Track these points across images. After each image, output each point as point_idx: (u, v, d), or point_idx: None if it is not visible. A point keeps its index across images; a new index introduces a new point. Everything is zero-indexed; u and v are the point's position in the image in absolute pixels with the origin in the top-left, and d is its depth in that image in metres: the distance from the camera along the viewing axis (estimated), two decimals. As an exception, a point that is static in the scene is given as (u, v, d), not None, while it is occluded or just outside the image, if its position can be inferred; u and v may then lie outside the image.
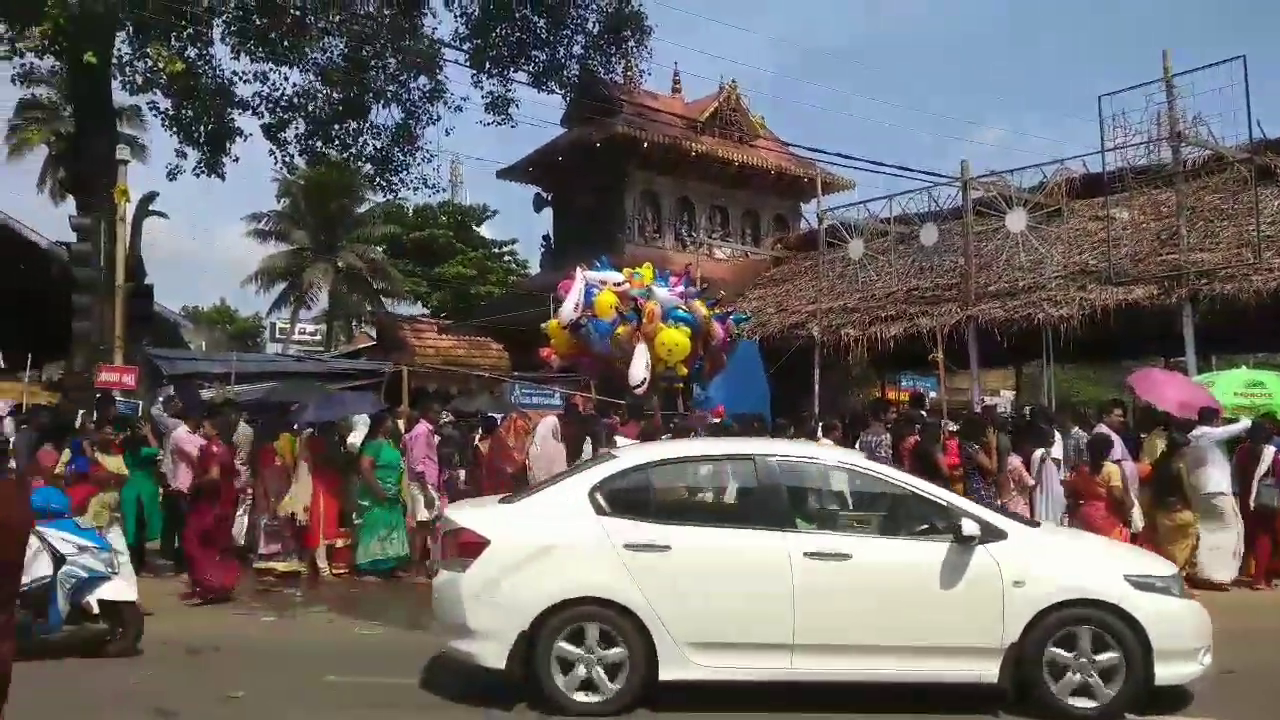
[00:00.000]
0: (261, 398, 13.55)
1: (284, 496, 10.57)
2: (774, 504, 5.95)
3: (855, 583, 5.68)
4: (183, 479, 10.56)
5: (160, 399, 13.95)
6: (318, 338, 40.36)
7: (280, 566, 10.52)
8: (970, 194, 15.46)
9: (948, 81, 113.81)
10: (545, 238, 25.80)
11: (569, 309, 10.06)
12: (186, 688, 6.39)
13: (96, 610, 7.05)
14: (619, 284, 10.13)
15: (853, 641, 5.68)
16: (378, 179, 20.02)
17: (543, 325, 11.61)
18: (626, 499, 6.00)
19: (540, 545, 5.84)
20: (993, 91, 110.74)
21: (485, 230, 45.45)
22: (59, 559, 6.99)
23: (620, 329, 9.72)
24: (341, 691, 6.36)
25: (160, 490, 10.90)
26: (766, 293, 20.94)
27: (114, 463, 9.23)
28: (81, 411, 11.97)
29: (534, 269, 32.01)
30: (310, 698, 6.24)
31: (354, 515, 10.63)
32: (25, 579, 6.59)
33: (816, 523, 6.15)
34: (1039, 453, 10.27)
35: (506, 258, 44.36)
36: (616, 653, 5.65)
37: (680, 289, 10.41)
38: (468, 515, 6.26)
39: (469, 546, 5.86)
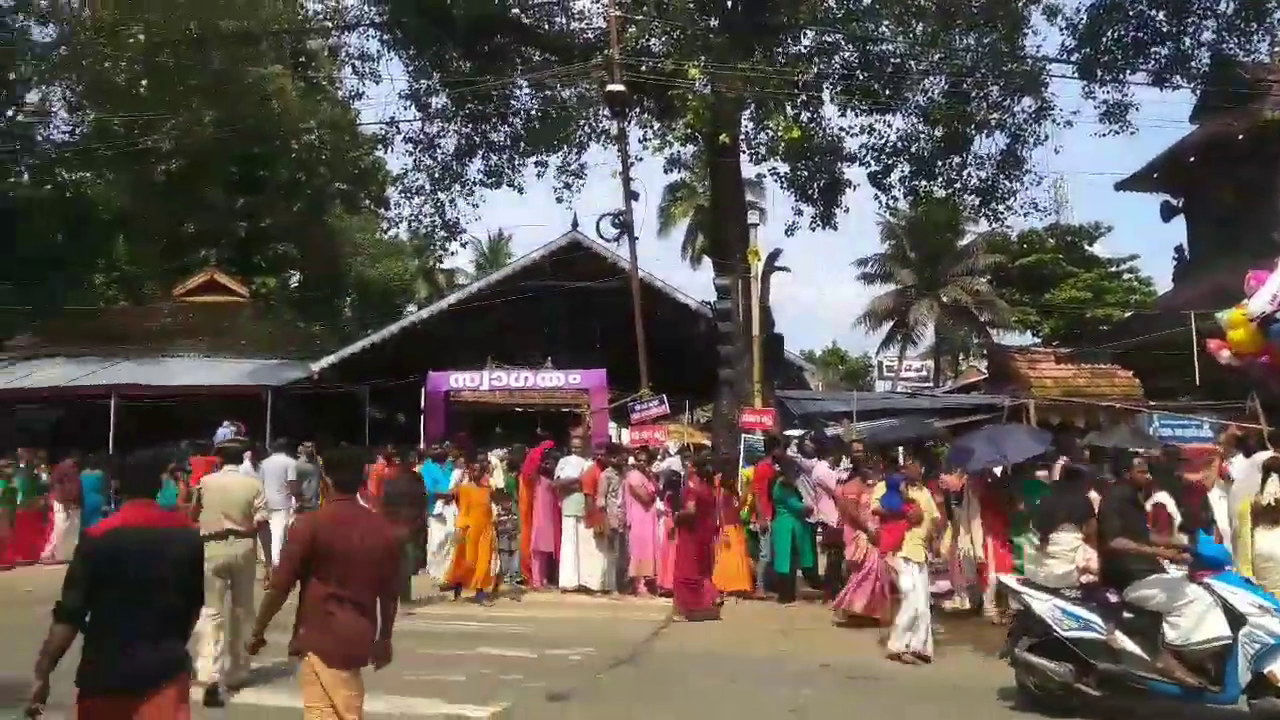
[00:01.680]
0: (892, 434, 14.19)
1: (944, 534, 10.77)
2: None
3: None
4: (826, 511, 11.55)
5: (796, 440, 15.17)
6: (924, 373, 40.74)
7: (947, 605, 10.76)
8: None
9: None
10: (1177, 249, 22.93)
11: (1264, 300, 8.56)
12: (853, 712, 6.74)
13: None
14: (1341, 278, 8.31)
15: None
16: (983, 210, 19.73)
17: (1220, 315, 10.07)
18: None
19: None
20: None
21: (1098, 249, 42.04)
22: (1237, 619, 6.16)
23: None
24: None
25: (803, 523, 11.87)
26: None
27: (923, 498, 9.21)
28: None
29: (1159, 286, 28.72)
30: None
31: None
32: (1198, 638, 6.18)
33: None
34: None
35: (1126, 276, 40.47)
36: None
37: None
38: None
39: None
